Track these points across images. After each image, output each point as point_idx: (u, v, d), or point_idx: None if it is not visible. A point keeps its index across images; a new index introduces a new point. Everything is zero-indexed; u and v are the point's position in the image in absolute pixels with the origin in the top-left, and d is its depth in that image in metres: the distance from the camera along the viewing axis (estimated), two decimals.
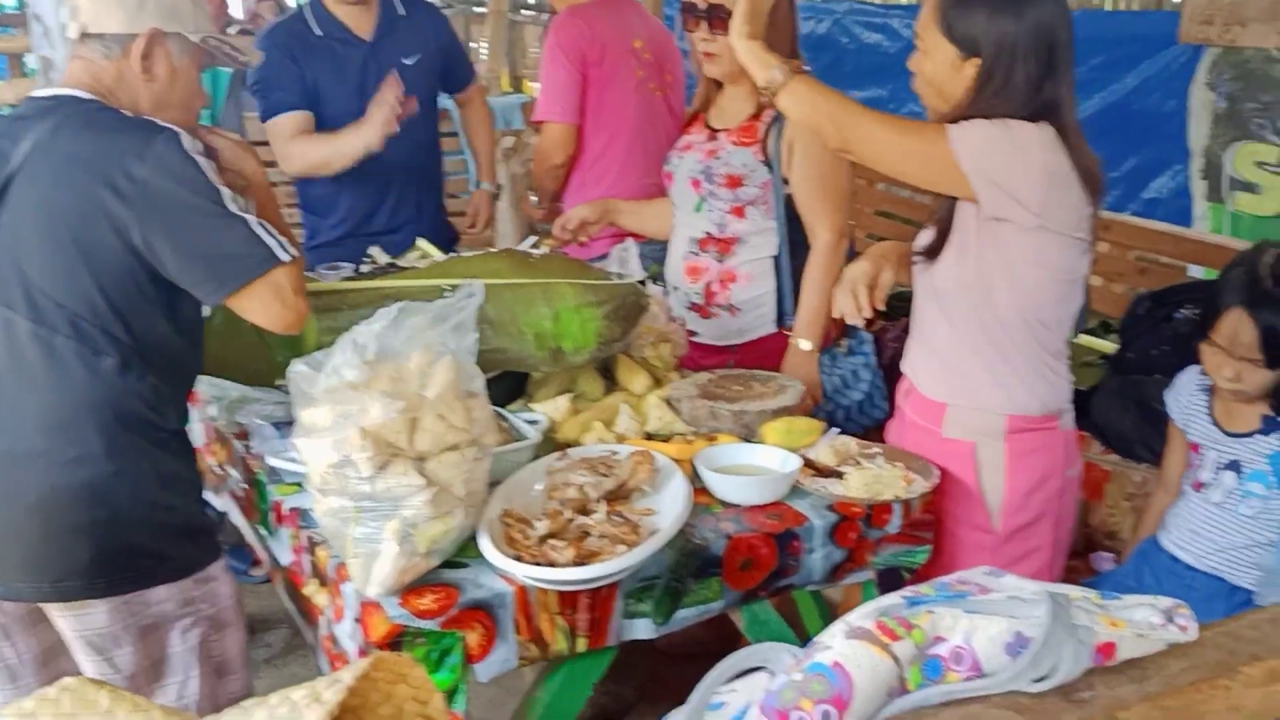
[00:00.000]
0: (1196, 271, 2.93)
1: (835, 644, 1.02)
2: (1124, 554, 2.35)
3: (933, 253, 2.02)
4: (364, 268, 2.31)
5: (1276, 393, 2.02)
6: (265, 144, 2.91)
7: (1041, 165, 1.86)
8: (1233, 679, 1.08)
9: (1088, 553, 2.44)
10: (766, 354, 2.62)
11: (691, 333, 2.71)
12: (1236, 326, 2.02)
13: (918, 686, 1.01)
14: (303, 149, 3.00)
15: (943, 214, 2.01)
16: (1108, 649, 1.02)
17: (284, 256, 1.73)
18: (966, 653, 1.01)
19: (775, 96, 1.98)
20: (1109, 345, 2.66)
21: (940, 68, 1.93)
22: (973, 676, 1.00)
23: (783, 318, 2.66)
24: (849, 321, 2.02)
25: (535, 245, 2.49)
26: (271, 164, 2.94)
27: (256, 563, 3.03)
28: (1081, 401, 2.47)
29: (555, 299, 2.12)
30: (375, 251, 2.36)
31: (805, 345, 2.52)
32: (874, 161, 2.01)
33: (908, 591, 1.08)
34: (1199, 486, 2.14)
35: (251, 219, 1.73)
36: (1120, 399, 2.50)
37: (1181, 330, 2.20)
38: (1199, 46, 3.47)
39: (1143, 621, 1.04)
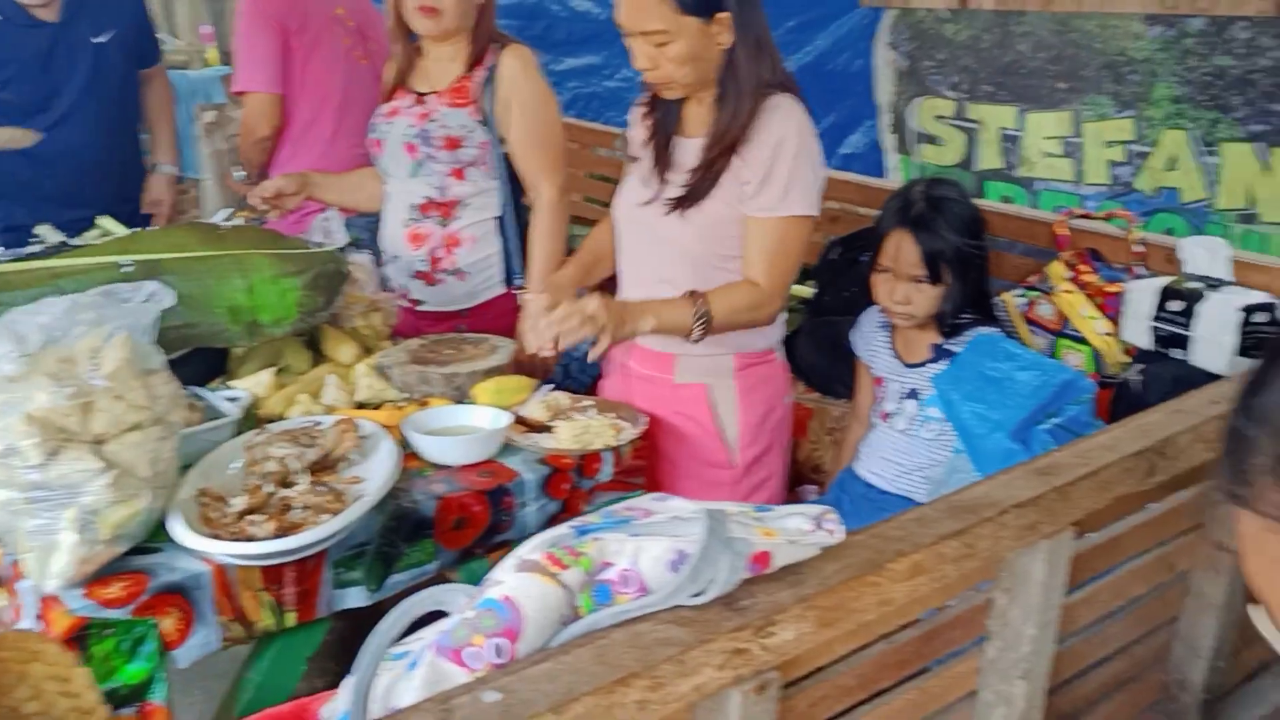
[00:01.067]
0: None
1: (506, 578, 1.04)
2: (826, 485, 2.50)
3: (681, 203, 2.07)
4: (33, 248, 2.15)
5: (941, 316, 2.20)
6: None
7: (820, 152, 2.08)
8: (881, 575, 1.18)
9: (796, 486, 2.58)
10: (498, 315, 2.62)
11: (417, 301, 2.68)
12: (899, 246, 2.20)
13: (590, 611, 1.05)
14: None
15: (699, 182, 2.06)
16: (763, 558, 1.08)
17: None
18: (633, 574, 1.05)
19: (707, 330, 2.00)
20: (807, 290, 2.82)
21: (692, 42, 1.96)
22: (640, 596, 1.05)
23: (511, 278, 2.68)
24: (541, 354, 2.07)
25: (229, 218, 2.39)
26: None
27: None
28: (785, 344, 2.62)
29: (249, 271, 2.05)
30: (44, 230, 2.21)
31: (539, 300, 2.54)
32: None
33: (577, 521, 1.11)
34: (886, 416, 2.30)
35: None
36: (817, 340, 2.65)
37: (867, 272, 2.35)
38: (879, 8, 3.70)
39: (794, 529, 1.11)
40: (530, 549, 1.05)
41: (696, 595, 1.04)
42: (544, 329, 1.90)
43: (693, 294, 2.01)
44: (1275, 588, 0.56)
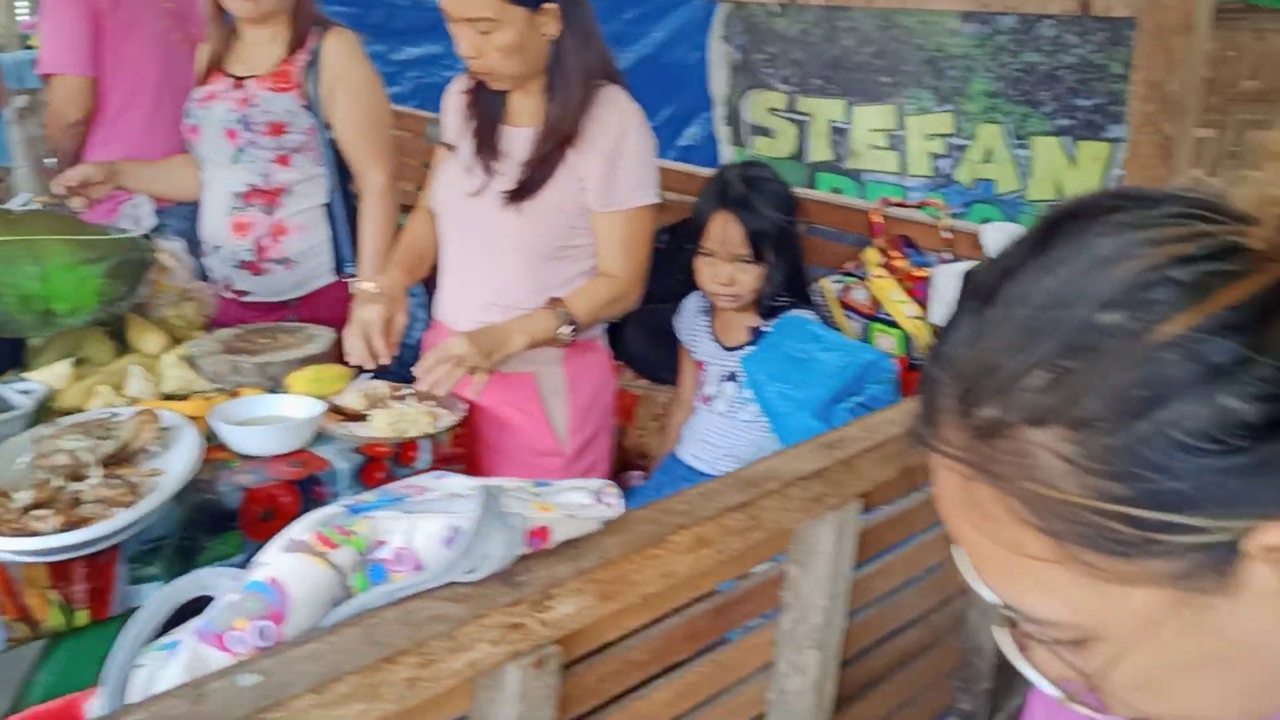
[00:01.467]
0: None
1: (272, 560, 1.02)
2: (651, 471, 2.53)
3: (515, 196, 2.05)
4: None
5: (761, 297, 2.25)
6: None
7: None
8: (662, 548, 1.19)
9: (622, 472, 2.60)
10: (328, 305, 2.57)
11: (242, 292, 2.61)
12: (723, 227, 2.25)
13: (362, 591, 1.03)
14: None
15: (535, 174, 2.04)
16: (541, 533, 1.09)
17: None
18: (407, 552, 1.04)
19: (577, 333, 2.05)
20: None
21: (519, 31, 1.94)
22: (414, 574, 1.04)
23: (341, 266, 2.63)
24: (364, 365, 2.04)
25: (26, 204, 2.28)
26: None
27: None
28: (613, 332, 2.63)
29: (43, 257, 1.96)
30: None
31: (370, 287, 2.50)
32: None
33: (350, 500, 1.10)
34: (706, 400, 2.34)
35: None
36: (644, 327, 2.67)
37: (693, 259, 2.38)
38: (713, 1, 3.75)
39: (573, 503, 1.12)
40: (300, 529, 1.04)
41: (471, 571, 1.04)
42: (421, 380, 1.94)
43: (554, 300, 2.02)
44: (961, 528, 0.59)
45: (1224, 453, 0.49)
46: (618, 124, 2.03)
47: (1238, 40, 2.60)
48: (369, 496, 1.11)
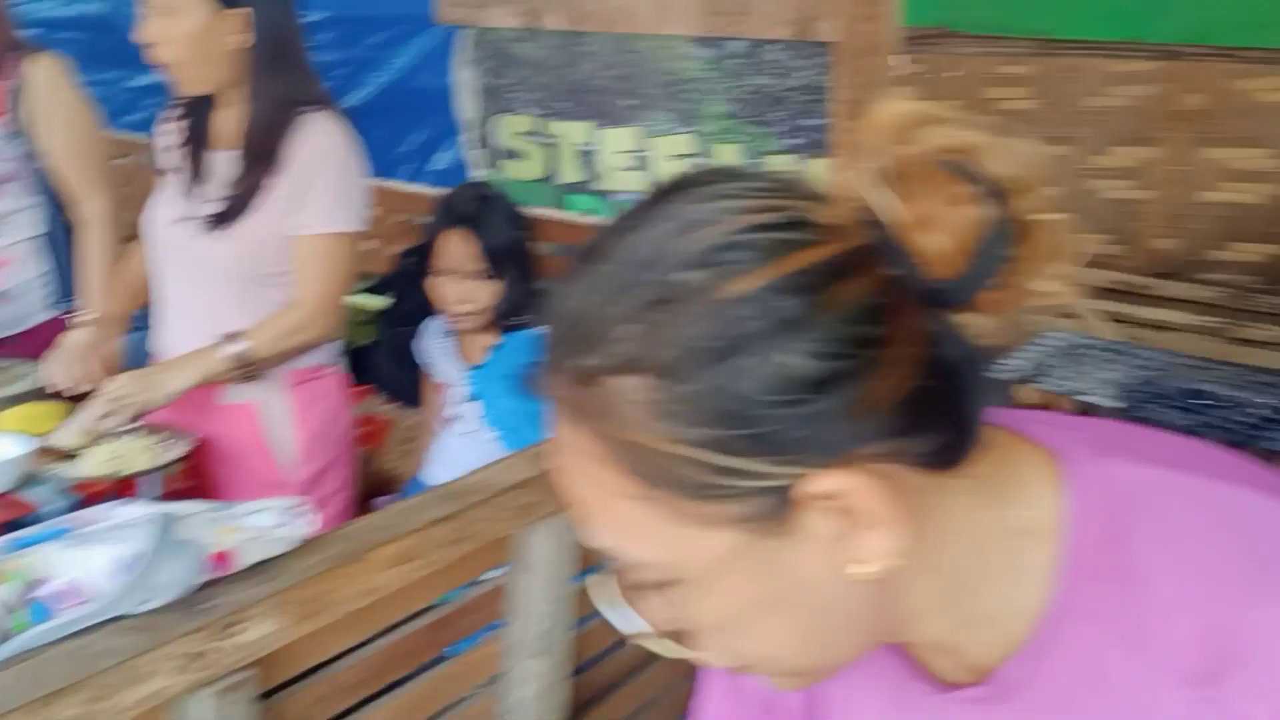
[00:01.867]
0: None
1: None
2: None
3: (219, 221, 1.99)
4: None
5: (500, 315, 2.27)
6: None
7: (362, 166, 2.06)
8: (362, 564, 1.19)
9: (374, 498, 2.56)
10: (49, 341, 2.42)
11: None
12: (457, 245, 2.26)
13: (23, 630, 0.98)
14: None
15: (236, 199, 1.98)
16: (223, 557, 1.06)
17: None
18: (74, 587, 1.00)
19: (255, 365, 1.97)
20: (381, 302, 2.81)
21: (200, 23, 1.87)
22: (80, 607, 1.00)
23: (62, 299, 2.50)
24: (68, 391, 1.95)
25: None
26: None
27: None
28: (363, 357, 2.60)
29: None
30: None
31: (90, 318, 2.38)
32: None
33: (12, 535, 1.04)
34: (450, 421, 2.34)
35: None
36: (392, 350, 2.65)
37: None
38: (456, 26, 3.76)
39: (259, 525, 1.10)
40: None
41: (145, 602, 1.00)
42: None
43: (231, 335, 1.96)
44: (561, 473, 0.61)
45: (784, 404, 0.54)
46: (315, 148, 1.98)
47: (938, 63, 2.81)
48: (31, 531, 1.05)
